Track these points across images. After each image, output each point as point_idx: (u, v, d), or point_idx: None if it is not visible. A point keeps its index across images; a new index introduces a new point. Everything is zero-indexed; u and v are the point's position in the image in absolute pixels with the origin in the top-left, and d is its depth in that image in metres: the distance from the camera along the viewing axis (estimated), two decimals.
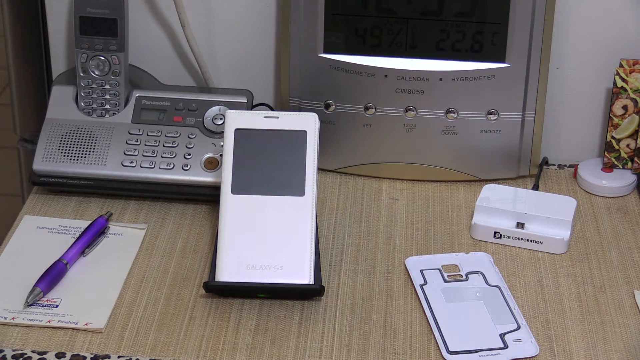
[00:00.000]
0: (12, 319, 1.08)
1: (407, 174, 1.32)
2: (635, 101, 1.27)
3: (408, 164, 1.31)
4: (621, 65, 1.27)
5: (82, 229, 1.19)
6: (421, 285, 1.14)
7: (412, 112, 1.28)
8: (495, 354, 1.05)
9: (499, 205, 1.22)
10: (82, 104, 1.28)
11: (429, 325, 1.09)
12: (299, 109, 1.30)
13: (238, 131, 1.15)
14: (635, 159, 1.30)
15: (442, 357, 1.05)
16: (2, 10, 1.57)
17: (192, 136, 1.26)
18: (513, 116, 1.28)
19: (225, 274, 1.10)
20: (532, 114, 1.28)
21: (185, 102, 1.28)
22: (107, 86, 1.28)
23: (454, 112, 1.28)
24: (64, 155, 1.25)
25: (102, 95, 1.28)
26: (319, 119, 1.16)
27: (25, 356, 1.04)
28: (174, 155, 1.25)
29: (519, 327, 1.08)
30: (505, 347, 1.06)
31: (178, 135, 1.26)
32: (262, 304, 1.11)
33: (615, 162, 1.31)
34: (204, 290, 1.11)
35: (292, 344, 1.06)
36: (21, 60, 1.66)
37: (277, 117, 1.16)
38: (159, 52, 1.37)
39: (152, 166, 1.25)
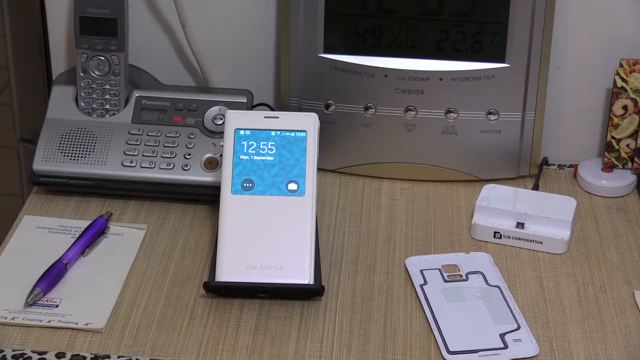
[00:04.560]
0: (12, 319, 1.08)
1: (407, 174, 1.32)
2: (635, 101, 1.27)
3: (408, 164, 1.31)
4: (621, 65, 1.27)
5: (82, 229, 1.19)
6: (421, 285, 1.14)
7: (412, 112, 1.28)
8: (495, 354, 1.05)
9: (499, 205, 1.22)
10: (82, 104, 1.28)
11: (429, 325, 1.09)
12: (299, 109, 1.30)
13: (238, 131, 1.15)
14: (635, 159, 1.30)
15: (442, 357, 1.05)
16: (2, 10, 1.57)
17: (192, 136, 1.26)
18: (513, 116, 1.28)
19: (225, 274, 1.10)
20: (532, 114, 1.28)
21: (185, 102, 1.28)
22: (107, 86, 1.28)
23: (454, 112, 1.28)
24: (64, 155, 1.25)
25: (102, 95, 1.28)
26: (319, 119, 1.16)
27: (25, 356, 1.04)
28: (174, 155, 1.25)
29: (519, 327, 1.08)
30: (505, 347, 1.06)
31: (178, 135, 1.26)
32: (262, 304, 1.11)
33: (615, 162, 1.31)
34: (204, 290, 1.11)
35: (292, 344, 1.06)
36: (21, 60, 1.66)
37: (277, 117, 1.16)
38: (159, 52, 1.37)
39: (152, 166, 1.25)
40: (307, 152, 1.15)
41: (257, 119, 1.16)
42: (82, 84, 1.28)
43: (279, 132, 1.15)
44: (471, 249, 1.20)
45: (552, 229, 1.20)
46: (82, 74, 1.28)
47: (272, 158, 1.14)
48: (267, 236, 1.11)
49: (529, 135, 1.29)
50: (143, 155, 1.25)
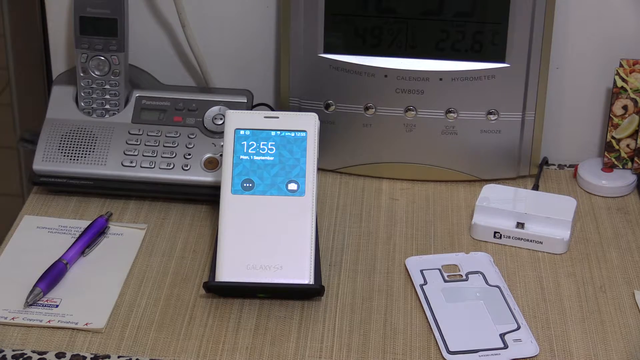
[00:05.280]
0: (12, 319, 1.08)
1: (407, 174, 1.32)
2: (635, 101, 1.27)
3: (408, 164, 1.31)
4: (621, 65, 1.27)
5: (82, 229, 1.19)
6: (421, 285, 1.14)
7: (412, 112, 1.28)
8: (495, 354, 1.05)
9: (499, 205, 1.22)
10: (82, 104, 1.28)
11: (429, 325, 1.09)
12: (299, 109, 1.30)
13: (238, 131, 1.15)
14: (635, 159, 1.30)
15: (442, 357, 1.05)
16: (2, 10, 1.57)
17: (192, 136, 1.26)
18: (513, 116, 1.28)
19: (225, 274, 1.10)
20: (532, 114, 1.28)
21: (185, 102, 1.28)
22: (107, 86, 1.28)
23: (454, 112, 1.28)
24: (64, 155, 1.25)
25: (102, 95, 1.28)
26: (319, 119, 1.16)
27: (25, 356, 1.04)
28: (174, 155, 1.25)
29: (519, 327, 1.08)
30: (505, 347, 1.06)
31: (178, 135, 1.26)
32: (262, 304, 1.11)
33: (615, 162, 1.31)
34: (204, 290, 1.11)
35: (292, 344, 1.06)
36: (21, 60, 1.66)
37: (277, 117, 1.16)
38: (159, 52, 1.37)
39: (152, 166, 1.25)
40: (307, 152, 1.15)
41: (257, 119, 1.16)
42: (82, 84, 1.28)
43: (279, 132, 1.15)
44: (471, 249, 1.20)
45: (552, 229, 1.20)
46: (82, 74, 1.28)
47: (272, 158, 1.14)
48: (267, 236, 1.11)
49: (529, 135, 1.29)
50: (143, 155, 1.25)
